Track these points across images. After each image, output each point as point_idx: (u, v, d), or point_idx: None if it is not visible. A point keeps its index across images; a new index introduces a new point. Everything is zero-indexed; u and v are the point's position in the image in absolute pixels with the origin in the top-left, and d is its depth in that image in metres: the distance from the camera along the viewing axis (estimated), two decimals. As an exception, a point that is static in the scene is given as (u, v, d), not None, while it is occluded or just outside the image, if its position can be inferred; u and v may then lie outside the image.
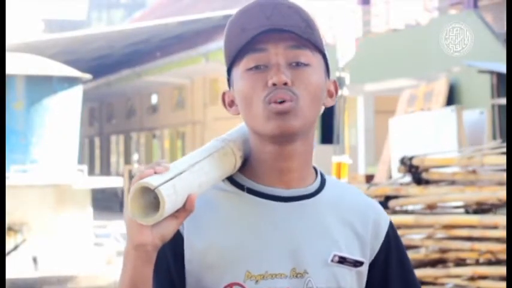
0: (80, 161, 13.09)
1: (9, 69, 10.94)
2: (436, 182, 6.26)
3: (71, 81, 12.32)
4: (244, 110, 1.66)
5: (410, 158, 6.25)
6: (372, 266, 1.72)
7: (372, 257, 1.72)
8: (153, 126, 30.71)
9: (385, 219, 1.75)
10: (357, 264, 1.68)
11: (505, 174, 5.74)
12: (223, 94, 1.73)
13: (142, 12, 37.28)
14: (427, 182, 6.24)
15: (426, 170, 6.24)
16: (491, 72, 12.31)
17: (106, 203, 25.12)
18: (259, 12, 1.64)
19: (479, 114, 10.38)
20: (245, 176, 1.69)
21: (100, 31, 24.01)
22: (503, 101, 11.84)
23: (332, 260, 1.65)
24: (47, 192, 11.44)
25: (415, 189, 6.20)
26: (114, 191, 24.05)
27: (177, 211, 1.51)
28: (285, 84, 1.61)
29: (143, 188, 1.47)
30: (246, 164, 1.70)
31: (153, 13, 32.45)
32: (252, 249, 1.63)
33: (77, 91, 12.42)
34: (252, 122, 1.65)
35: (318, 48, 1.67)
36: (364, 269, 1.70)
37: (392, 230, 1.76)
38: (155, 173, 1.49)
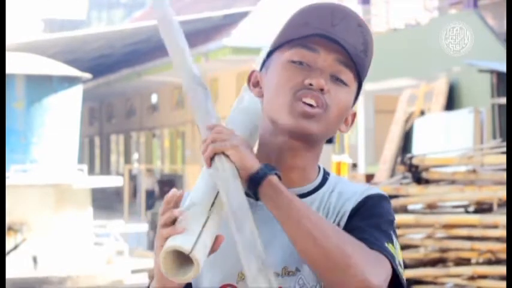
0: (80, 161, 13.08)
1: (9, 69, 10.94)
2: (436, 182, 6.25)
3: (71, 81, 12.32)
4: (271, 97, 1.66)
5: (411, 158, 6.25)
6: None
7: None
8: (153, 126, 30.71)
9: (366, 193, 1.67)
10: None
11: (505, 174, 5.74)
12: (252, 72, 1.74)
13: (142, 12, 37.26)
14: (427, 182, 6.24)
15: (426, 169, 6.24)
16: (491, 72, 12.31)
17: (106, 202, 25.12)
18: (328, 16, 1.64)
19: (468, 113, 10.45)
20: None
21: (100, 31, 24.00)
22: (503, 100, 11.84)
23: None
24: (47, 192, 11.43)
25: (415, 189, 6.20)
26: (114, 190, 24.05)
27: None
28: (321, 90, 1.62)
29: (177, 251, 1.51)
30: None
31: (153, 13, 32.43)
32: None
33: (77, 91, 12.42)
34: (273, 110, 1.65)
35: (359, 77, 1.68)
36: None
37: (370, 199, 1.66)
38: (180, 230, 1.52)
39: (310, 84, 1.62)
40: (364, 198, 1.66)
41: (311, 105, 1.61)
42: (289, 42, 1.66)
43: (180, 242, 1.50)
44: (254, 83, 1.73)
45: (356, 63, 1.66)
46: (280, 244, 1.64)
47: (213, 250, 1.55)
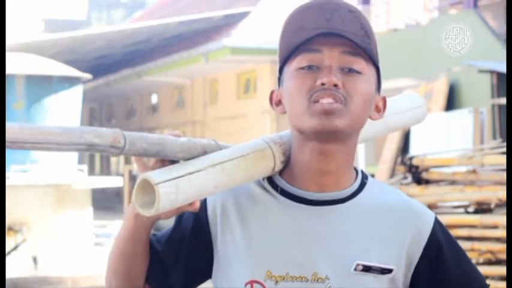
0: (80, 161, 13.08)
1: (9, 69, 10.94)
2: (436, 182, 6.25)
3: (71, 81, 12.32)
4: (290, 108, 1.64)
5: (411, 158, 6.24)
6: (415, 278, 1.69)
7: (412, 268, 1.69)
8: (153, 126, 30.70)
9: (427, 224, 1.72)
10: (385, 271, 1.65)
11: (505, 174, 5.73)
12: (272, 92, 1.72)
13: (142, 12, 37.26)
14: (427, 182, 6.23)
15: (426, 169, 6.23)
16: (491, 72, 12.31)
17: (106, 203, 25.11)
18: (318, 13, 1.61)
19: (468, 113, 10.46)
20: (282, 177, 1.68)
21: (100, 31, 23.98)
22: (503, 100, 11.84)
23: (355, 269, 1.63)
24: (47, 192, 11.44)
25: (415, 189, 6.19)
26: (114, 191, 24.05)
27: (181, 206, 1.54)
28: (335, 86, 1.59)
29: (146, 180, 1.49)
30: (286, 166, 1.69)
31: (153, 13, 32.42)
32: (276, 250, 1.63)
33: (77, 91, 12.42)
34: (295, 119, 1.63)
35: (372, 60, 1.65)
36: (397, 274, 1.67)
37: (435, 235, 1.73)
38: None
39: (323, 84, 1.59)
40: (434, 239, 1.74)
41: (330, 103, 1.59)
42: (293, 51, 1.64)
43: (152, 174, 1.50)
44: (276, 102, 1.71)
45: (363, 48, 1.62)
46: (313, 249, 1.63)
47: (189, 208, 1.55)
